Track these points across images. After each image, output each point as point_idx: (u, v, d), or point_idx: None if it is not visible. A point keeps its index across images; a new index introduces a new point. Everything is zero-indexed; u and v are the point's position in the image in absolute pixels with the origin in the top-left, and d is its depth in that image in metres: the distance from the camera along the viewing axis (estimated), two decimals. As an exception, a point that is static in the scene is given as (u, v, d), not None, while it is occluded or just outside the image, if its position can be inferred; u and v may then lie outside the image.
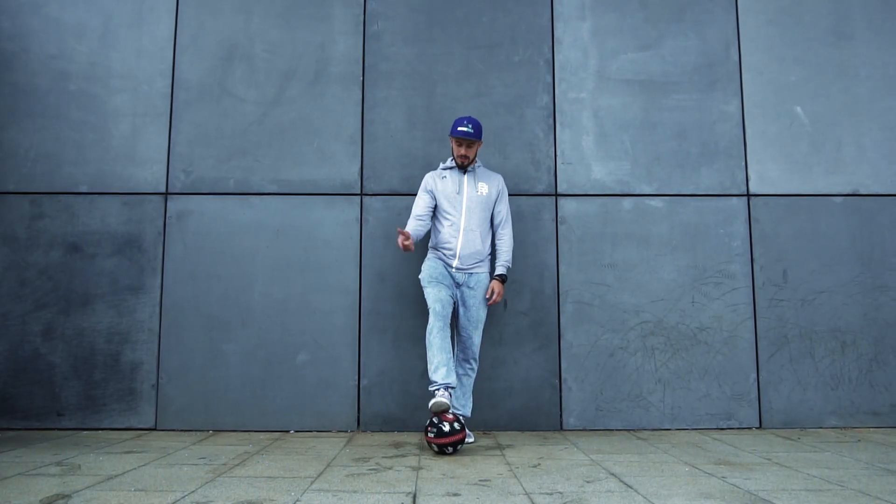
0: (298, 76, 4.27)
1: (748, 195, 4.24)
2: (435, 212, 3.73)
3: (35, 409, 3.97)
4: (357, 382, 4.04)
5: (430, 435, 3.26)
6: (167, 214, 4.14)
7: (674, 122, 4.28)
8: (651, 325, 4.11)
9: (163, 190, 4.16)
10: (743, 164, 4.27)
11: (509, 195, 4.13)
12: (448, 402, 3.28)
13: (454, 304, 3.62)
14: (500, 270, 3.71)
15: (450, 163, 3.76)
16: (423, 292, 3.65)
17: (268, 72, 4.26)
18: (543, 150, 4.25)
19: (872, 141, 4.30)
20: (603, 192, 4.22)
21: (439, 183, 3.72)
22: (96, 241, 4.10)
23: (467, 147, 3.65)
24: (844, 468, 2.94)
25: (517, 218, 4.13)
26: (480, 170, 3.78)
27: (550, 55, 4.32)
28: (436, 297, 3.51)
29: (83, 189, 4.14)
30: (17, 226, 4.10)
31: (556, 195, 4.22)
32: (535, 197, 4.21)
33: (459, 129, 3.61)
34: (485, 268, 3.72)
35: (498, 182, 3.80)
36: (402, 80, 4.28)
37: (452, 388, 3.37)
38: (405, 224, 3.80)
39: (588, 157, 4.25)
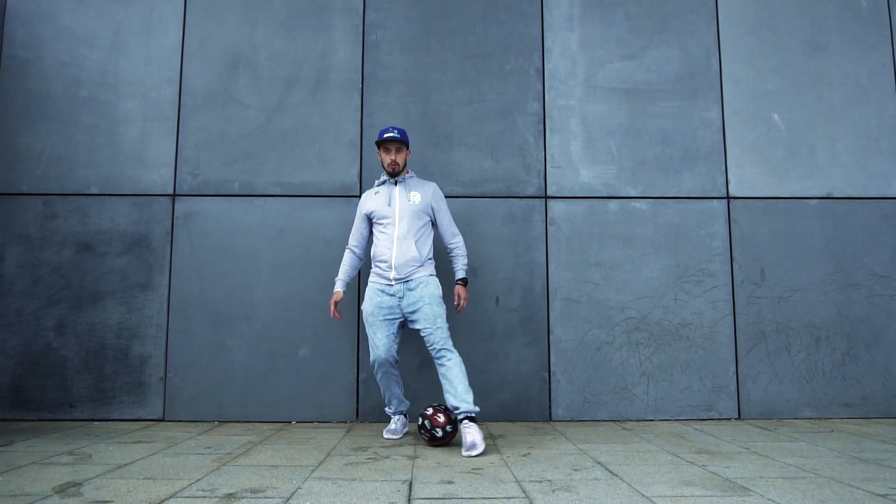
0: (300, 83, 4.25)
1: (728, 198, 4.25)
2: (372, 226, 3.57)
3: (48, 400, 3.95)
4: (356, 376, 4.03)
5: (424, 438, 3.30)
6: (174, 215, 4.12)
7: (657, 129, 4.29)
8: (636, 321, 4.11)
9: (170, 192, 4.14)
10: (723, 168, 4.27)
11: (502, 197, 4.13)
12: (401, 432, 3.54)
13: (402, 322, 3.44)
14: (459, 275, 3.51)
15: (382, 178, 3.56)
16: None
17: (271, 79, 4.25)
18: (534, 155, 4.24)
19: (845, 146, 4.31)
20: (590, 195, 4.22)
21: (371, 201, 3.51)
22: (107, 241, 4.08)
23: (396, 152, 3.43)
24: (818, 457, 2.95)
25: (509, 219, 4.13)
26: (412, 180, 3.54)
27: (541, 64, 4.32)
28: (374, 344, 3.39)
29: (94, 190, 4.12)
30: (30, 226, 4.07)
31: (546, 197, 4.21)
32: (525, 199, 4.20)
33: (386, 134, 3.42)
34: (425, 271, 3.39)
35: (431, 189, 3.53)
36: (400, 87, 4.27)
37: (406, 411, 3.64)
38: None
39: (576, 161, 4.25)
